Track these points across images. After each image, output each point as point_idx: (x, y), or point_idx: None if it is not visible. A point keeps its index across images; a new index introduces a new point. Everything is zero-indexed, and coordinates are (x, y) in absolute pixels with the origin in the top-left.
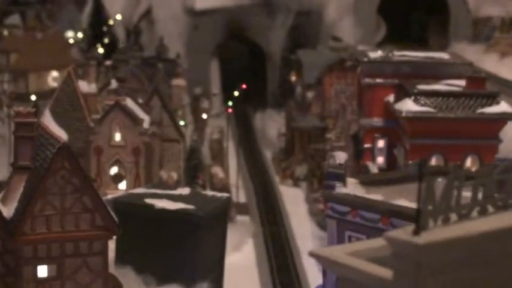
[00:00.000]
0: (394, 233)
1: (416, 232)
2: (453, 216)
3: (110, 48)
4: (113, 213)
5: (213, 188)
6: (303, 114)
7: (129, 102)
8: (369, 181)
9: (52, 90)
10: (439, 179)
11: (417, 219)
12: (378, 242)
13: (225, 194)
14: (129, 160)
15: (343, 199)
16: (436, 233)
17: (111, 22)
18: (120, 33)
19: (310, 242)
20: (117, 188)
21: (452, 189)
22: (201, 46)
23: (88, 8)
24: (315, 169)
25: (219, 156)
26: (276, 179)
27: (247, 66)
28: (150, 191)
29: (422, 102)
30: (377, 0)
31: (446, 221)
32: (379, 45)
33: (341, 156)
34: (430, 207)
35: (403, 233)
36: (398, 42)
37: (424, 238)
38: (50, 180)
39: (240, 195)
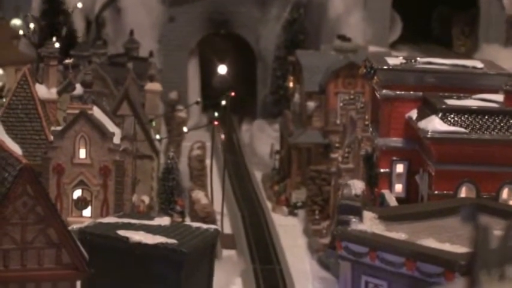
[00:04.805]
0: None
1: None
2: (510, 271)
3: (68, 43)
4: (82, 249)
5: (195, 217)
6: (301, 128)
7: (97, 112)
8: (389, 215)
9: None
10: (494, 223)
11: (470, 273)
12: None
13: (212, 226)
14: (95, 182)
15: (360, 238)
16: None
17: (69, 10)
18: (79, 24)
19: (311, 284)
20: (80, 215)
21: (510, 240)
22: (178, 42)
23: None
24: (315, 195)
25: (200, 176)
26: (268, 205)
27: (232, 67)
28: (123, 220)
29: (452, 120)
30: None
31: (502, 276)
32: (393, 46)
33: (357, 186)
34: (484, 260)
35: None
36: (416, 42)
37: None
38: (9, 208)
39: (224, 225)
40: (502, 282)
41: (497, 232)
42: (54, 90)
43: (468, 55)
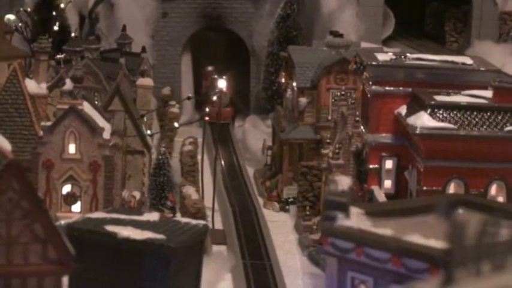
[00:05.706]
0: (419, 286)
1: (444, 285)
2: (486, 267)
3: (61, 38)
4: (68, 244)
5: (185, 213)
6: (293, 124)
7: (87, 107)
8: (376, 211)
9: None
10: (473, 217)
11: (445, 269)
12: None
13: (201, 222)
14: (85, 177)
15: (345, 234)
16: (468, 286)
17: (61, 5)
18: (72, 19)
19: (301, 280)
20: (69, 211)
21: (486, 235)
22: (171, 38)
23: None
24: (306, 191)
25: (191, 172)
26: (260, 201)
27: (225, 63)
28: (112, 215)
29: (441, 116)
30: None
31: (478, 272)
32: (386, 42)
33: (344, 182)
34: (460, 255)
35: (429, 286)
36: (409, 38)
37: None
38: None
39: (215, 220)
40: (479, 279)
41: (474, 227)
42: (44, 85)
43: (460, 51)
